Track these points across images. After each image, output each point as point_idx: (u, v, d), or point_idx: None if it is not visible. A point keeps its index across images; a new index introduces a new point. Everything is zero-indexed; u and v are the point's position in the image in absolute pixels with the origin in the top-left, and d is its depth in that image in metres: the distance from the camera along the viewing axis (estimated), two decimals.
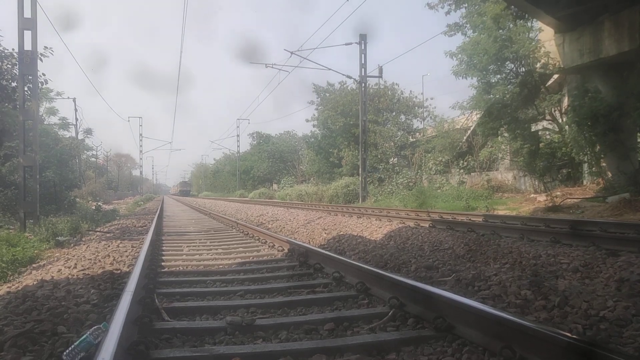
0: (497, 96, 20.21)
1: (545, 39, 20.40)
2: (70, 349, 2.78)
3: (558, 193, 17.25)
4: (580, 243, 7.12)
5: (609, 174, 17.06)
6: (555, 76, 21.00)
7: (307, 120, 47.09)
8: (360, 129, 27.83)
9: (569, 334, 2.56)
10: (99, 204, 23.91)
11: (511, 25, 19.73)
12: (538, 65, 20.19)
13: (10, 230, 11.98)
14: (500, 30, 19.50)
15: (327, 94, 42.18)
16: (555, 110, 21.27)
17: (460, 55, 21.21)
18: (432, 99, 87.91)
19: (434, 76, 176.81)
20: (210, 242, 9.48)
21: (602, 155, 17.35)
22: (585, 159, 18.59)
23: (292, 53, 26.68)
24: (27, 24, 12.42)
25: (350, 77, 29.14)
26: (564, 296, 3.80)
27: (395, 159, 37.28)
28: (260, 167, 64.87)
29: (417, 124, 42.81)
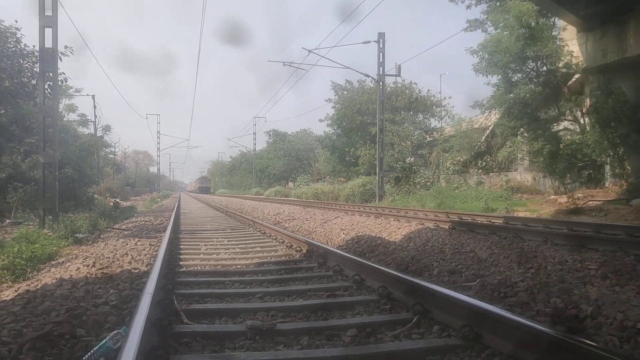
0: (520, 95, 19.85)
1: (568, 38, 20.06)
2: (90, 353, 2.73)
3: (579, 195, 16.92)
4: (607, 248, 6.92)
5: (633, 177, 16.71)
6: (577, 75, 20.63)
7: (321, 120, 47.07)
8: (377, 128, 27.67)
9: (607, 349, 2.45)
10: (116, 200, 24.08)
11: (533, 24, 19.38)
12: (561, 64, 19.84)
13: (30, 227, 12.07)
14: (523, 29, 19.16)
15: (345, 92, 42.04)
16: (576, 111, 20.89)
17: (481, 53, 20.92)
18: (450, 97, 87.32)
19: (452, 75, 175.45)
20: (227, 241, 9.44)
21: (625, 157, 16.99)
22: (608, 161, 18.23)
23: (309, 51, 26.58)
24: (47, 22, 12.51)
25: (368, 76, 28.98)
26: (597, 305, 3.65)
27: (412, 159, 37.08)
28: (276, 165, 65.01)
29: (434, 123, 42.56)
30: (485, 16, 22.30)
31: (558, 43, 20.08)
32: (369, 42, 26.89)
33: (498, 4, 21.24)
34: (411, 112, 40.84)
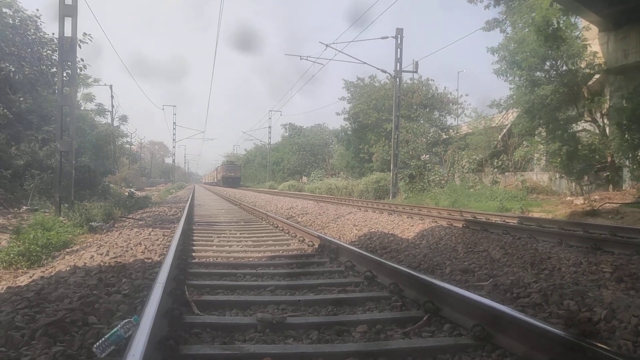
0: (541, 94, 19.56)
1: (589, 37, 19.75)
2: (100, 341, 2.75)
3: (596, 197, 16.71)
4: (623, 251, 6.83)
5: None
6: (597, 76, 20.32)
7: (338, 114, 46.85)
8: (392, 125, 27.55)
9: (621, 353, 2.41)
10: (131, 190, 24.31)
11: (556, 24, 19.08)
12: (583, 64, 19.53)
13: (46, 214, 12.21)
14: (548, 29, 18.84)
15: (358, 89, 41.92)
16: (595, 112, 20.58)
17: (502, 52, 20.64)
18: (467, 95, 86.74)
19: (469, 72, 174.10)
20: (240, 234, 9.46)
21: None
22: (627, 163, 17.95)
23: (327, 45, 26.50)
24: (67, 11, 12.61)
25: (385, 72, 28.86)
26: (611, 309, 3.60)
27: (427, 156, 36.86)
28: (291, 160, 65.04)
29: (450, 120, 42.24)
30: (504, 16, 22.04)
31: (580, 42, 19.76)
32: (387, 37, 26.75)
33: (517, 2, 20.97)
34: (427, 109, 40.58)
